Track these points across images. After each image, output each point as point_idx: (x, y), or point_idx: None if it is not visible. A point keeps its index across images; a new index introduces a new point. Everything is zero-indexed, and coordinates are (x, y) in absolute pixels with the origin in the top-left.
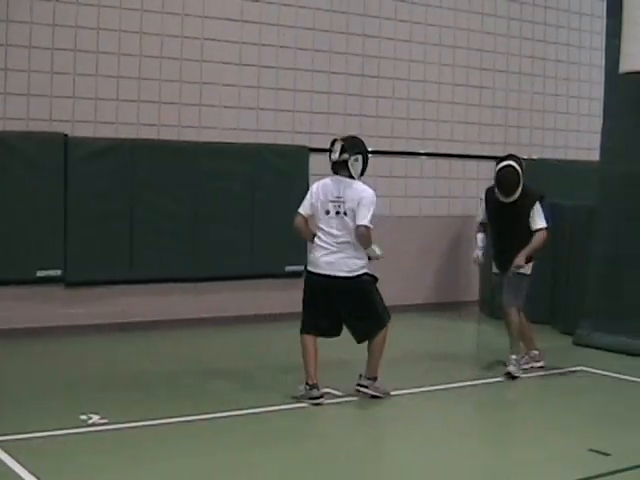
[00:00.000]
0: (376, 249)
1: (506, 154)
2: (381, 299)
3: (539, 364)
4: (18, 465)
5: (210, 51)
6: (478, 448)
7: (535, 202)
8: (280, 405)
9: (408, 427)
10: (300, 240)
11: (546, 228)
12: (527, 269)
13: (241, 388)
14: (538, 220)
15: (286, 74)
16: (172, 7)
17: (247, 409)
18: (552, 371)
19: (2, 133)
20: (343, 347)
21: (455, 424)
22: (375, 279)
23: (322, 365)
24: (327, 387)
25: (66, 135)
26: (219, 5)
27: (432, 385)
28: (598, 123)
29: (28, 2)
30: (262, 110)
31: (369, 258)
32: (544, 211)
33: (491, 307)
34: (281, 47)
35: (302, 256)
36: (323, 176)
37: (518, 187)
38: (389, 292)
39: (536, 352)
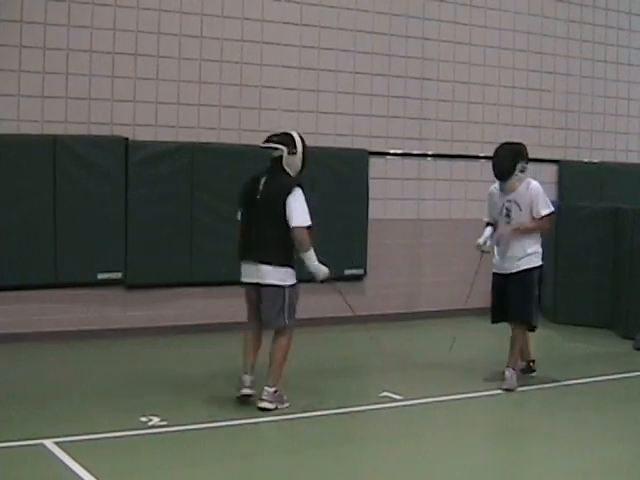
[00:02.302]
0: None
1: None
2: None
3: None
4: (78, 466)
5: (270, 55)
6: (535, 453)
7: None
8: (327, 410)
9: (460, 431)
10: (361, 244)
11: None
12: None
13: (295, 391)
14: None
15: (345, 77)
16: (232, 12)
17: (301, 412)
18: (612, 376)
19: (63, 137)
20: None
21: (513, 427)
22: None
23: (380, 368)
24: (386, 391)
25: (127, 139)
26: (278, 9)
27: (487, 390)
28: None
29: (90, 7)
30: (321, 113)
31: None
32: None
33: (554, 312)
34: (340, 50)
35: (362, 259)
36: (383, 180)
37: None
38: (445, 296)
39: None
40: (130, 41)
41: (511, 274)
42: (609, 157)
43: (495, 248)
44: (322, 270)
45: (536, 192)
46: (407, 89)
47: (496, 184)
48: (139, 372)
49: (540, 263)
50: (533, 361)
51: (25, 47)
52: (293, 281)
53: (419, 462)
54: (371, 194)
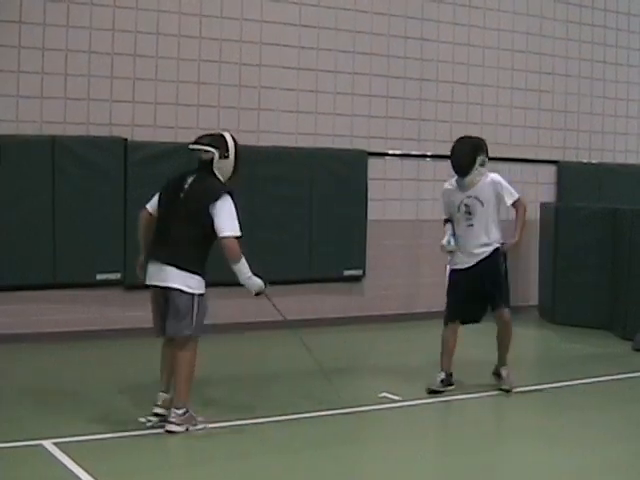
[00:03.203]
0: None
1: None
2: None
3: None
4: (77, 466)
5: (268, 55)
6: (535, 453)
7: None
8: (326, 411)
9: (459, 432)
10: (360, 245)
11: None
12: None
13: (294, 391)
14: None
15: (344, 78)
16: (231, 12)
17: (301, 413)
18: (612, 377)
19: (62, 137)
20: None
21: (512, 428)
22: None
23: (378, 369)
24: (385, 392)
25: (126, 139)
26: (277, 10)
27: (486, 391)
28: None
29: (88, 8)
30: (320, 114)
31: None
32: None
33: (552, 312)
34: (339, 51)
35: (360, 260)
36: (381, 180)
37: None
38: (444, 296)
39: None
40: (129, 42)
41: (473, 265)
42: (608, 158)
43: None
44: (256, 283)
45: (499, 183)
46: (406, 90)
47: (451, 180)
48: (138, 373)
49: (498, 244)
50: (450, 374)
51: (24, 48)
52: (202, 290)
53: (419, 462)
54: (370, 195)
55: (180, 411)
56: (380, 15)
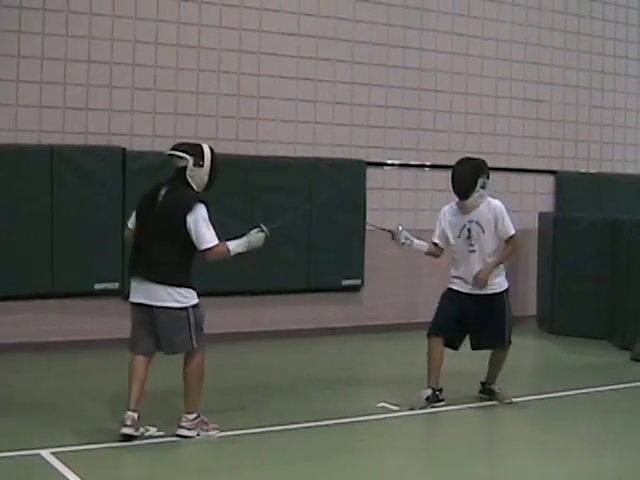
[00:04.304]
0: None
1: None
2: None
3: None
4: (75, 476)
5: (267, 65)
6: (525, 463)
7: None
8: (323, 421)
9: (455, 442)
10: (358, 255)
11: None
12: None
13: (292, 401)
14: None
15: (343, 88)
16: (229, 22)
17: (297, 423)
18: (609, 387)
19: (61, 147)
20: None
21: (508, 438)
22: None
23: (377, 379)
24: (383, 402)
25: (124, 149)
26: (276, 20)
27: (483, 401)
28: None
29: (87, 17)
30: (319, 124)
31: None
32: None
33: (551, 322)
34: (338, 61)
35: (359, 270)
36: (380, 190)
37: None
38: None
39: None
40: (128, 51)
41: (479, 295)
42: (606, 168)
43: (453, 268)
44: (256, 242)
45: (500, 211)
46: (405, 100)
47: (452, 203)
48: None
49: (507, 285)
50: (440, 390)
51: (23, 57)
52: (195, 300)
53: (414, 473)
54: (368, 204)
55: (191, 416)
56: (379, 25)
